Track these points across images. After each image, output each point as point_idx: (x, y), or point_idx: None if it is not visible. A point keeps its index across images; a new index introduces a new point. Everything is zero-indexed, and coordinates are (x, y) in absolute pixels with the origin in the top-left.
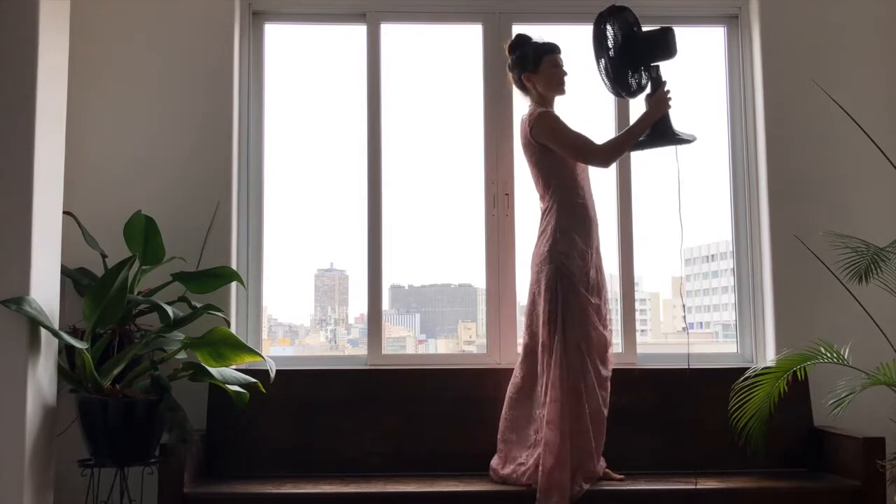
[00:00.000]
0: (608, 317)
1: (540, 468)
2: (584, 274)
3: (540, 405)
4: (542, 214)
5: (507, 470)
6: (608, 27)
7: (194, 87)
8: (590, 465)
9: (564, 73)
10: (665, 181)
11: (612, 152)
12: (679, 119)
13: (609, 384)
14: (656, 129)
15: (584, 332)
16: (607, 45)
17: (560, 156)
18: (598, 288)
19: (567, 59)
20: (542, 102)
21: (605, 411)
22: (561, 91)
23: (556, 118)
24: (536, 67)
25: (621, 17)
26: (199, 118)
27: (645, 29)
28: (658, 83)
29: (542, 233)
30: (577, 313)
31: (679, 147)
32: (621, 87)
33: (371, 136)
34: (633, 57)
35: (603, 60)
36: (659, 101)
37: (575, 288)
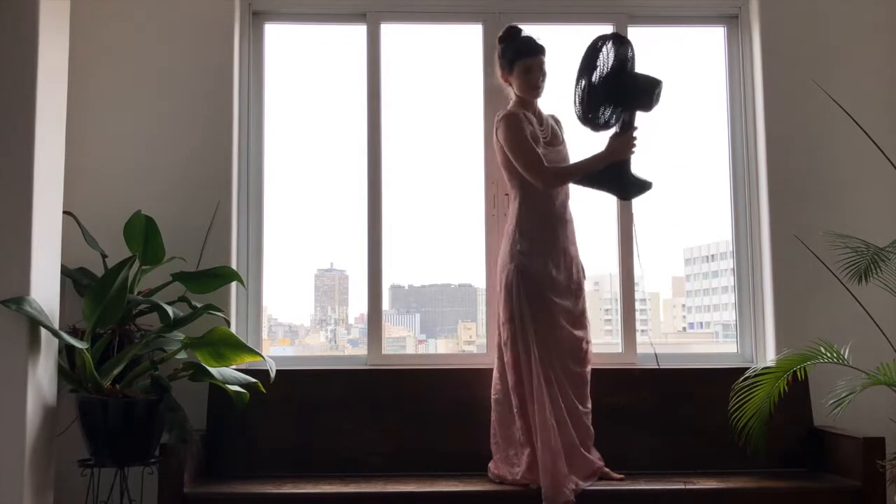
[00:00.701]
0: (584, 317)
1: (541, 468)
2: (545, 274)
3: (513, 405)
4: (508, 214)
5: (503, 470)
6: (605, 49)
7: (194, 87)
8: (579, 460)
9: (538, 78)
10: (665, 181)
11: (556, 179)
12: (677, 120)
13: (587, 380)
14: (612, 171)
15: (549, 330)
16: (595, 66)
17: None
18: (566, 288)
19: (566, 61)
20: (521, 102)
21: (585, 407)
22: (534, 95)
23: (516, 125)
24: (510, 69)
25: (621, 47)
26: (199, 118)
27: (638, 70)
28: (629, 127)
29: (505, 232)
30: (538, 313)
31: (644, 182)
32: (591, 115)
33: (371, 136)
34: (616, 91)
35: (584, 81)
36: (624, 144)
37: (535, 287)
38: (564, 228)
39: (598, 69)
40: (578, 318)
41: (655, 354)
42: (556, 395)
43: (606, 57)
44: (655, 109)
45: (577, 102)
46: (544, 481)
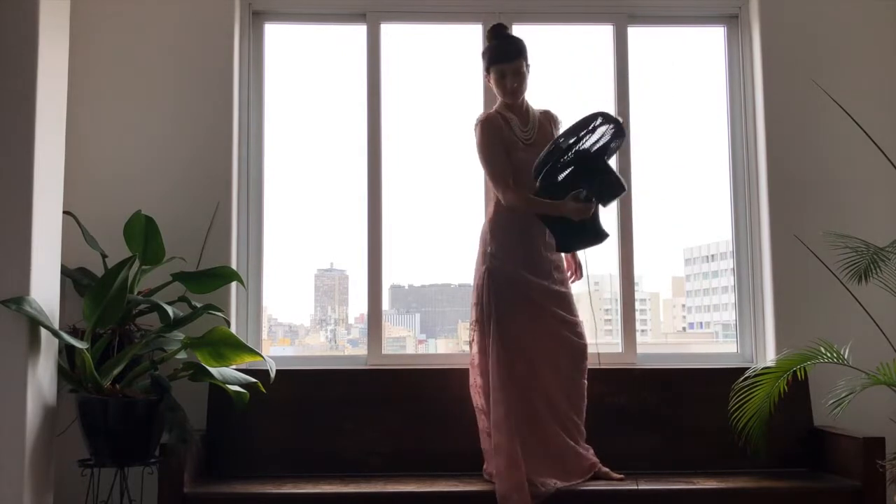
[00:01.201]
0: (574, 317)
1: (495, 469)
2: (517, 277)
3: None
4: (487, 216)
5: (491, 468)
6: (600, 129)
7: (194, 87)
8: (572, 460)
9: (512, 84)
10: (665, 181)
11: (519, 203)
12: (677, 120)
13: (579, 381)
14: (572, 227)
15: (521, 332)
16: (580, 137)
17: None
18: (546, 290)
19: (564, 60)
20: (504, 103)
21: (577, 406)
22: (511, 99)
23: (488, 133)
24: (487, 73)
25: (615, 137)
26: (199, 118)
27: (613, 166)
28: (590, 200)
29: (480, 234)
30: (503, 316)
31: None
32: (546, 174)
33: (371, 136)
34: (583, 172)
35: (561, 141)
36: (583, 211)
37: (505, 290)
38: (543, 232)
39: (581, 141)
40: (567, 319)
41: (599, 355)
42: (527, 398)
43: (598, 137)
44: (604, 209)
45: (543, 154)
46: (499, 488)
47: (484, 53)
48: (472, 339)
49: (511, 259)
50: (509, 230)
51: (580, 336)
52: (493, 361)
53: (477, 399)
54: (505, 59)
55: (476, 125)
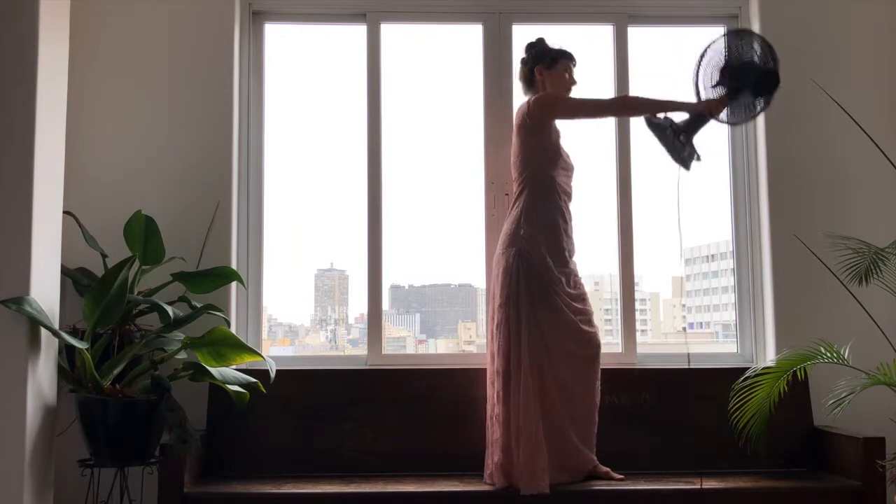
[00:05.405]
0: (587, 308)
1: (518, 459)
2: (545, 263)
3: (494, 396)
4: (514, 202)
5: (494, 459)
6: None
7: (194, 87)
8: (574, 457)
9: (573, 83)
10: (665, 181)
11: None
12: (677, 119)
13: (594, 369)
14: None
15: (548, 316)
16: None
17: (541, 144)
18: (567, 279)
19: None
20: None
21: (588, 396)
22: (566, 94)
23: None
24: (552, 65)
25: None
26: (199, 118)
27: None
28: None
29: (509, 218)
30: (538, 294)
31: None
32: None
33: (371, 136)
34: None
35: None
36: (712, 106)
37: (535, 272)
38: (568, 219)
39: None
40: (579, 309)
41: (688, 355)
42: (547, 386)
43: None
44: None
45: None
46: (525, 469)
47: (545, 49)
48: (500, 322)
49: (541, 244)
50: (543, 214)
51: (588, 332)
52: (524, 345)
53: (498, 383)
54: (574, 58)
55: (546, 97)
